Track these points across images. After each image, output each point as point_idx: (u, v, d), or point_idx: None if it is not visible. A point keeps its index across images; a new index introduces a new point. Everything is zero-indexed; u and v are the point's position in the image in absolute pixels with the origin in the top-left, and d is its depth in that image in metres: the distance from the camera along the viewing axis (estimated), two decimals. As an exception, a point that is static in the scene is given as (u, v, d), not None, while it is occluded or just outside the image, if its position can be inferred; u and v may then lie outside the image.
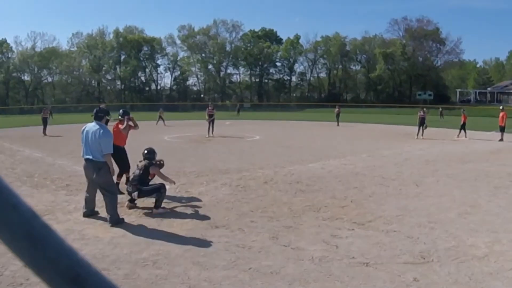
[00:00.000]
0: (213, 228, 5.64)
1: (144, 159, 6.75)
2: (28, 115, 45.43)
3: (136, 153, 7.74)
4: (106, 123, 6.57)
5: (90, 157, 5.81)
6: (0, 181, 0.37)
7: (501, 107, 20.63)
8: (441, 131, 22.60)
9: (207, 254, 4.68)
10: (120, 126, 7.94)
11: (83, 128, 6.12)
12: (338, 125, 27.39)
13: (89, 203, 6.11)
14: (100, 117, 6.11)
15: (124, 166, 7.82)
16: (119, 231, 5.49)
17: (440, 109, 37.15)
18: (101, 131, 5.89)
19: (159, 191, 6.41)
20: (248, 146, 15.86)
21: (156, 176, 6.81)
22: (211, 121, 19.83)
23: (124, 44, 67.19)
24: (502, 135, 17.97)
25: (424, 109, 20.26)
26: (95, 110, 6.24)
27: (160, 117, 28.79)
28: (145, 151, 6.84)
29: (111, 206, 5.78)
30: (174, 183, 6.94)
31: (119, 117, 8.17)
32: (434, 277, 4.09)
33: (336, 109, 29.17)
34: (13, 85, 65.29)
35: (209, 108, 20.52)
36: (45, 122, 20.83)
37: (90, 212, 6.11)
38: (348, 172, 9.96)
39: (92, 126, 5.99)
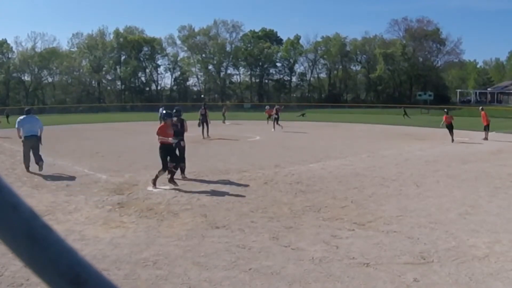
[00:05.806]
0: (213, 228, 5.64)
1: (174, 116, 8.52)
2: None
3: (138, 151, 7.75)
4: None
5: (36, 134, 9.84)
6: (0, 181, 0.37)
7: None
8: (440, 131, 22.55)
9: (207, 255, 4.68)
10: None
11: (20, 118, 9.93)
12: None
13: (28, 160, 9.86)
14: (30, 112, 10.26)
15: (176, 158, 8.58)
16: (119, 232, 5.50)
17: (403, 108, 38.14)
18: (37, 119, 10.29)
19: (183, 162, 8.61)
20: (249, 147, 15.86)
21: None
22: (203, 122, 18.73)
23: (124, 45, 67.07)
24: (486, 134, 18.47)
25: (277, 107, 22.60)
26: (27, 109, 10.47)
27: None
28: (174, 110, 8.81)
29: (39, 155, 9.67)
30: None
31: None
32: (434, 277, 4.09)
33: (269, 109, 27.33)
34: (13, 86, 65.18)
35: (201, 108, 19.71)
36: None
37: (29, 165, 9.83)
38: (349, 173, 9.96)
39: (28, 117, 9.97)
